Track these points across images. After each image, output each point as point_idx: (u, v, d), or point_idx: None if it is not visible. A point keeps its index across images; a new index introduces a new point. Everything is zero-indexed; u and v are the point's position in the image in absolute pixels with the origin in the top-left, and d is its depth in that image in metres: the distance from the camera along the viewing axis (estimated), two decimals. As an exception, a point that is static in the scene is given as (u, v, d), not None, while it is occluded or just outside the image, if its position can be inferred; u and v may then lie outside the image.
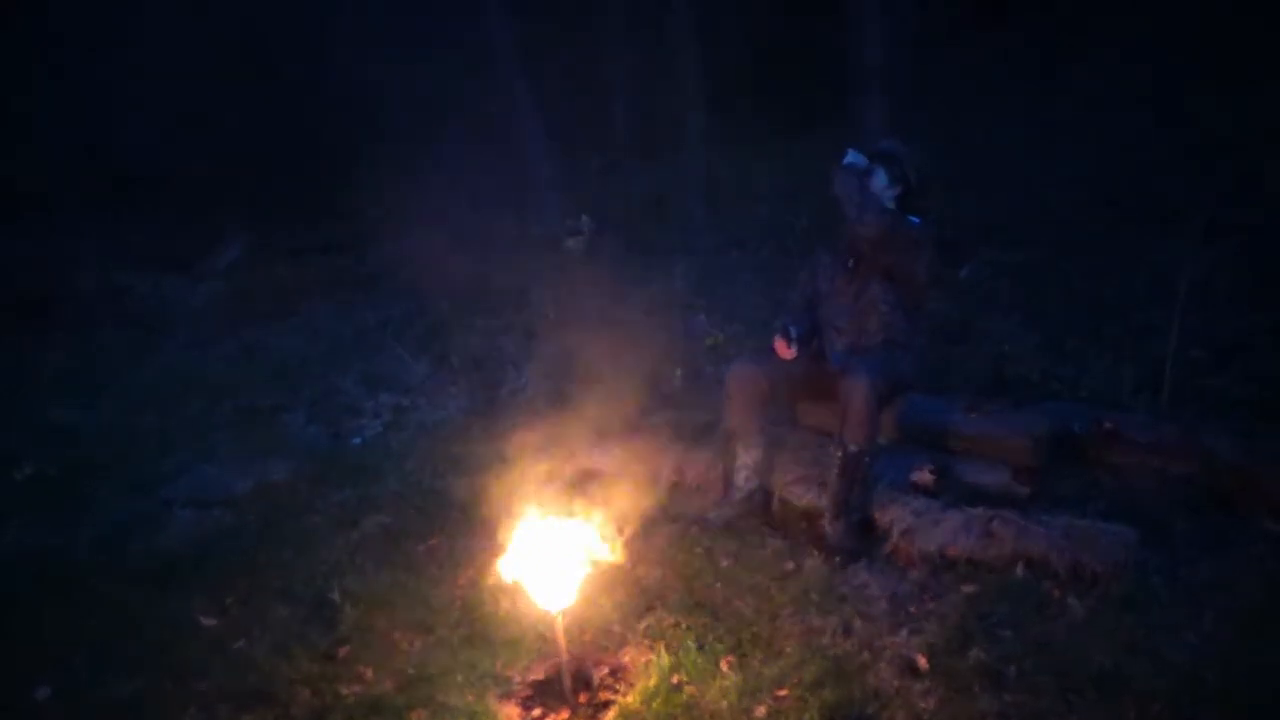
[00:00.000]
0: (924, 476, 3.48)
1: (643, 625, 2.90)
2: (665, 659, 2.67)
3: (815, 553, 3.23)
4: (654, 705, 2.52)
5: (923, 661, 2.56)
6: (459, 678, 2.73)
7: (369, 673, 2.84)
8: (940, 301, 5.63)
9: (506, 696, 2.65)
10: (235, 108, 12.85)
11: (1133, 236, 5.88)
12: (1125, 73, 8.65)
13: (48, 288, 9.21)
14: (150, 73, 12.86)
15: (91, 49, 12.82)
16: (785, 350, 3.46)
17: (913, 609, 2.83)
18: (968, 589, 2.87)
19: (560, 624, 2.54)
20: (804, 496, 3.50)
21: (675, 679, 2.60)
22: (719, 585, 3.09)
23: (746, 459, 3.48)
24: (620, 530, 3.35)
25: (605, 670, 2.71)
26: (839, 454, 3.24)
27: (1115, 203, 6.48)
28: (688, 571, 3.19)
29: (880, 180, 3.41)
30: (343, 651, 2.97)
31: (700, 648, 2.73)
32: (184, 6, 13.53)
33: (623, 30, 13.63)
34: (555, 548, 2.58)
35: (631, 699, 2.55)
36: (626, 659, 2.74)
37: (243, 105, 12.93)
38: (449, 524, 3.79)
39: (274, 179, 12.13)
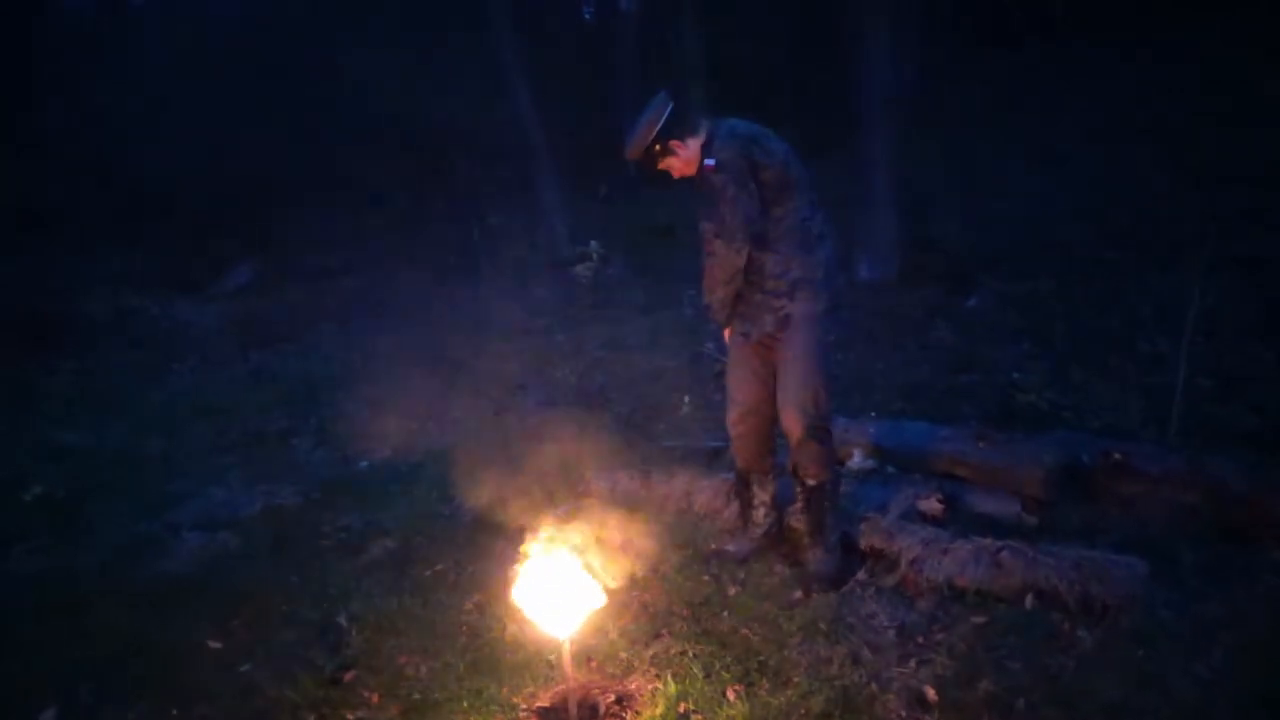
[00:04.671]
0: (932, 505, 3.48)
1: (650, 653, 2.88)
2: (672, 687, 2.65)
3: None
4: (661, 734, 2.50)
5: (931, 693, 2.54)
6: (465, 704, 2.72)
7: (375, 698, 2.83)
8: (948, 331, 5.66)
9: (512, 724, 2.64)
10: (246, 132, 13.01)
11: (1139, 266, 5.91)
12: (1131, 104, 8.72)
13: (57, 309, 9.28)
14: (162, 97, 13.04)
15: (104, 73, 13.00)
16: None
17: (921, 640, 2.82)
18: (977, 620, 2.86)
19: (567, 650, 2.53)
20: (811, 524, 3.49)
21: (682, 708, 2.59)
22: (727, 613, 3.08)
23: (764, 495, 3.44)
24: (628, 557, 3.35)
25: (612, 698, 2.69)
26: (800, 491, 3.20)
27: (1121, 233, 6.53)
28: (695, 599, 3.18)
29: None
30: (348, 676, 2.96)
31: (707, 676, 2.71)
32: (197, 33, 13.75)
33: (631, 59, 13.81)
34: (563, 574, 2.58)
35: (638, 727, 2.54)
36: (633, 687, 2.73)
37: (254, 129, 13.09)
38: (456, 549, 3.79)
39: (284, 203, 12.24)
